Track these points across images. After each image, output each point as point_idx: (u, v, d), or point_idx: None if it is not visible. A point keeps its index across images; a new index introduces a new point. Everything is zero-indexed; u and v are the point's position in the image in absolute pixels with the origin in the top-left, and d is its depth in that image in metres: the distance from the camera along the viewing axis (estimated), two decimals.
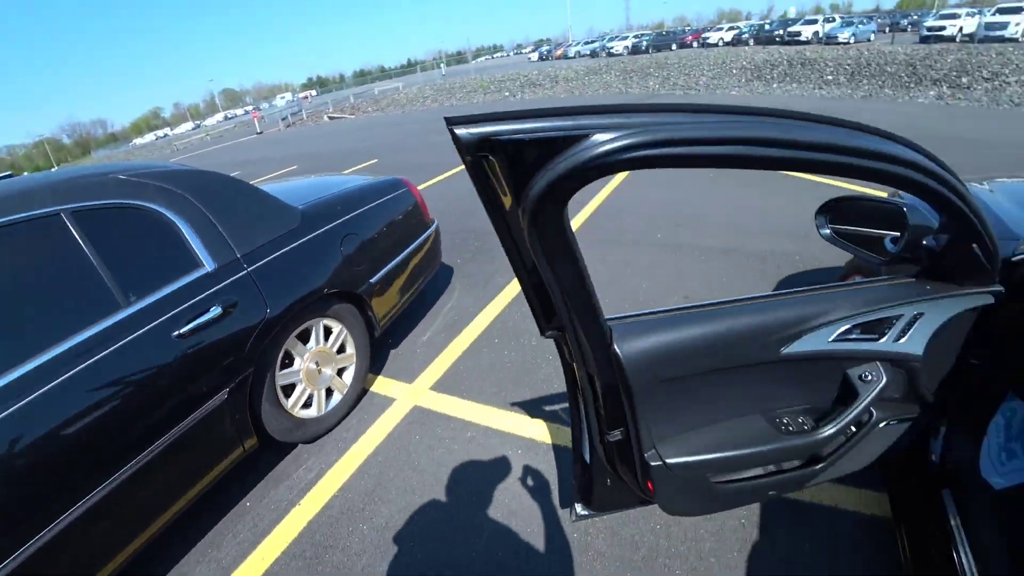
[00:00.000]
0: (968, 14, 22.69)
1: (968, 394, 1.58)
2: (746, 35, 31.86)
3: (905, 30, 31.82)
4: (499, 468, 2.29)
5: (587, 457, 1.38)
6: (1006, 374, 1.51)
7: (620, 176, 6.74)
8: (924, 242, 1.33)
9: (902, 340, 1.28)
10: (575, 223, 5.23)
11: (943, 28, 21.98)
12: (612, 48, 34.39)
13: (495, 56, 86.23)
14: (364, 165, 9.96)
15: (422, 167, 8.48)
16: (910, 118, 10.04)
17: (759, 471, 1.36)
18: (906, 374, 1.38)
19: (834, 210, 1.49)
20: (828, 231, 1.47)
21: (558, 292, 0.85)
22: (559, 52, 39.94)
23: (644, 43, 33.61)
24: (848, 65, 16.71)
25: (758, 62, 19.15)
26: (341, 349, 2.73)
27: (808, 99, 13.57)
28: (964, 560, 1.40)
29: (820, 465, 1.37)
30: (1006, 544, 1.48)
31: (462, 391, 2.82)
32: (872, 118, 9.86)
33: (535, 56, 44.31)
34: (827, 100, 13.23)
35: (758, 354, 1.15)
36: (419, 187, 7.23)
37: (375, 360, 3.11)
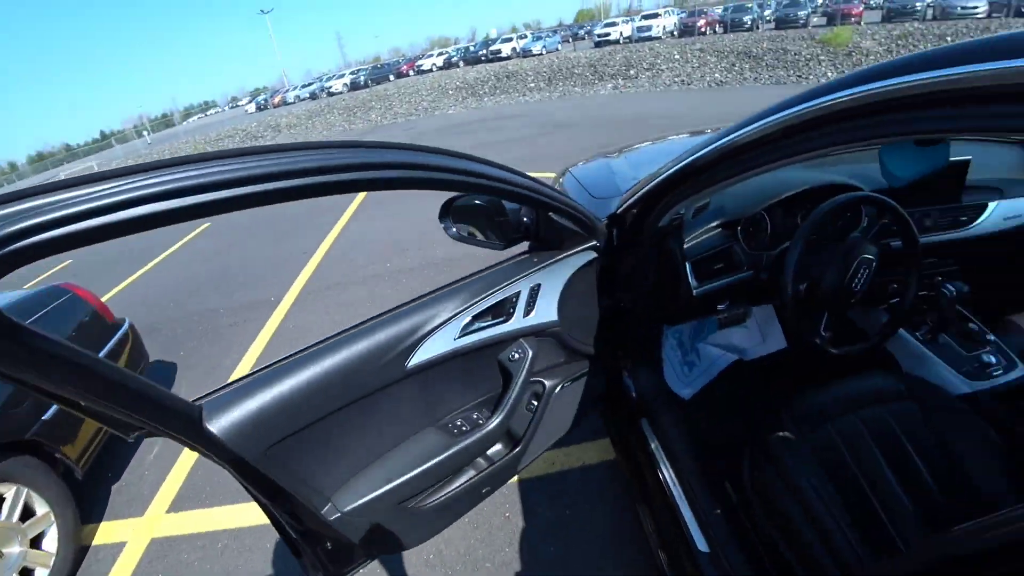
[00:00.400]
0: (624, 21, 28.31)
1: (635, 332, 1.76)
2: (456, 58, 34.29)
3: (583, 39, 37.68)
4: (257, 568, 2.05)
5: (291, 530, 1.27)
6: (651, 309, 1.70)
7: (346, 215, 6.68)
8: (525, 220, 1.41)
9: (532, 314, 1.34)
10: (305, 273, 5.03)
11: (609, 34, 26.91)
12: (331, 87, 34.04)
13: (209, 113, 78.56)
14: (51, 272, 8.07)
15: (122, 257, 7.25)
16: (597, 108, 11.85)
17: (469, 475, 1.38)
18: (555, 339, 1.46)
19: (452, 210, 1.49)
20: (454, 230, 1.49)
21: (102, 401, 0.71)
22: (277, 99, 38.12)
23: (363, 78, 34.03)
24: (545, 72, 19.10)
25: (470, 80, 20.70)
26: (28, 514, 2.17)
27: (516, 105, 15.18)
28: (668, 476, 1.53)
29: (520, 447, 1.42)
30: (694, 445, 1.62)
31: (205, 500, 2.46)
32: (572, 113, 11.43)
33: (252, 107, 41.66)
34: (531, 104, 14.95)
35: (383, 377, 1.12)
36: (130, 277, 6.30)
37: (90, 506, 2.55)
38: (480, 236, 1.46)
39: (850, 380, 1.50)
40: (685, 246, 1.65)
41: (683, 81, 14.45)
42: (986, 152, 1.96)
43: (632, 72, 16.62)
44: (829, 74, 12.52)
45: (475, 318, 1.24)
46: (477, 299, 1.23)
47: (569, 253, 1.42)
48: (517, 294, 1.31)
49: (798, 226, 1.75)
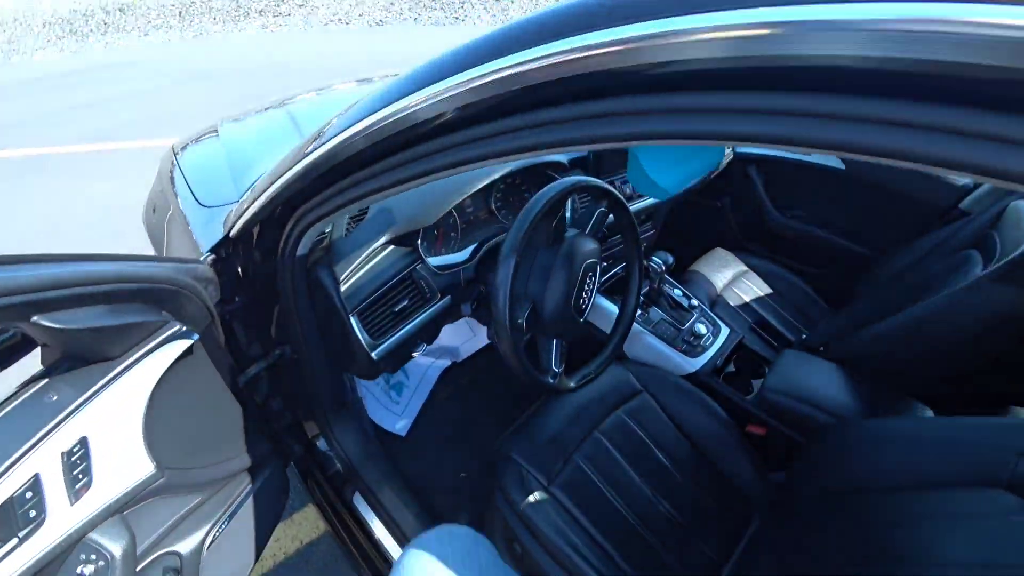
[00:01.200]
0: None
1: (315, 385, 1.34)
2: None
3: None
4: None
5: None
6: (327, 356, 1.29)
7: None
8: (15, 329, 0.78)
9: (90, 491, 0.77)
10: None
11: None
12: None
13: None
14: None
15: None
16: (243, 51, 10.28)
17: None
18: (167, 491, 0.97)
19: None
20: None
21: None
22: None
23: None
24: (174, 5, 16.19)
25: (65, 14, 16.29)
26: None
27: (138, 48, 12.35)
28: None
29: None
30: (427, 505, 1.38)
31: None
32: (213, 58, 9.66)
33: None
34: (158, 45, 12.43)
35: None
36: None
37: None
38: None
39: (585, 389, 1.33)
40: (344, 287, 1.08)
41: (341, 20, 13.54)
42: None
43: (283, 8, 14.94)
44: (482, 17, 13.03)
45: None
46: None
47: (128, 363, 0.80)
48: (34, 481, 0.68)
49: (503, 225, 1.44)
